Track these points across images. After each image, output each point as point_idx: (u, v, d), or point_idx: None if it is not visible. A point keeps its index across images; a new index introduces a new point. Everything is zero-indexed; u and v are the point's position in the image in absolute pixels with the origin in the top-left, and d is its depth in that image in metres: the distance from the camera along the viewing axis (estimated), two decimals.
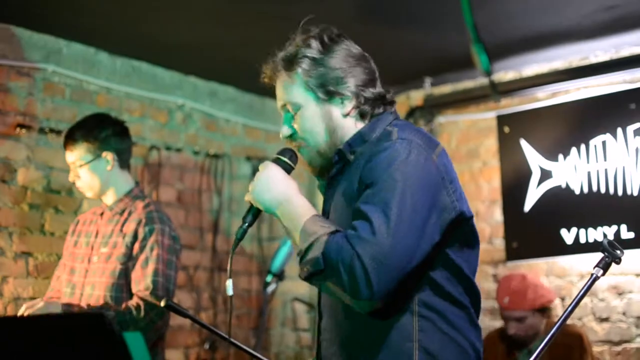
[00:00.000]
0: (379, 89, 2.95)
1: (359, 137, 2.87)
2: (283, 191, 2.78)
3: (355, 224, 2.58)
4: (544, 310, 5.42)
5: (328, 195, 2.91)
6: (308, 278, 2.65)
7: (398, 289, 2.58)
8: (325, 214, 2.90)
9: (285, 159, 2.89)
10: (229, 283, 2.83)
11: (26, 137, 5.50)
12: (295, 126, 2.89)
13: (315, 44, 2.89)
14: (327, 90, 2.87)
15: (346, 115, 2.89)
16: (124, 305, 4.25)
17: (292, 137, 2.91)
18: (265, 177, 2.81)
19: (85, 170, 4.53)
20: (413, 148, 2.68)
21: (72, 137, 4.57)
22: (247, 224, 2.89)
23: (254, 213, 2.89)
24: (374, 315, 2.68)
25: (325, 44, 2.90)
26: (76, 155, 4.53)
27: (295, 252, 2.70)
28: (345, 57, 2.91)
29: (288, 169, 2.88)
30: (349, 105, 2.89)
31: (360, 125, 2.91)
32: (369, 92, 2.92)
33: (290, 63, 2.89)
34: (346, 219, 2.69)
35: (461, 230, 2.76)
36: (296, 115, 2.88)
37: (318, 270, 2.59)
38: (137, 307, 4.24)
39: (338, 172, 2.89)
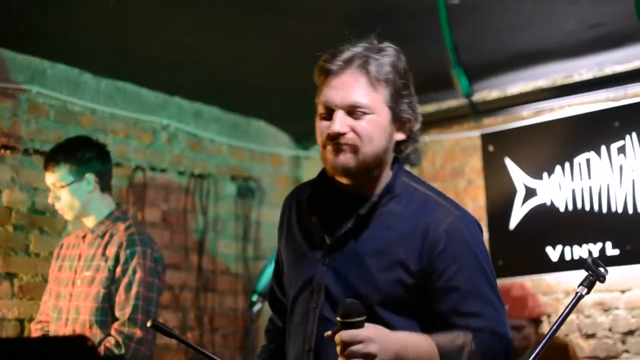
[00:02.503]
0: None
1: (388, 190, 2.79)
2: (395, 343, 2.54)
3: (475, 310, 2.67)
4: (539, 321, 5.44)
5: (343, 228, 2.76)
6: None
7: None
8: (338, 246, 2.78)
9: (361, 319, 2.50)
10: None
11: (10, 158, 5.49)
12: (356, 125, 2.68)
13: (402, 59, 2.82)
14: (399, 110, 2.76)
15: (397, 143, 2.81)
16: (102, 347, 4.24)
17: (343, 136, 2.68)
18: (375, 334, 2.49)
19: (66, 192, 4.51)
20: (472, 225, 2.81)
21: (53, 158, 4.56)
22: None
23: None
24: None
25: (401, 59, 2.83)
26: (57, 177, 4.52)
27: None
28: (411, 82, 2.85)
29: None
30: (404, 135, 2.81)
31: (390, 161, 2.83)
32: (417, 128, 2.86)
33: (380, 66, 2.74)
34: (373, 273, 2.69)
35: None
36: (363, 116, 2.69)
37: None
38: (117, 344, 4.24)
39: (362, 219, 2.77)
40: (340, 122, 2.68)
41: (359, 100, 2.69)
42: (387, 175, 2.82)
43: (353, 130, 2.69)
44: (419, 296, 2.69)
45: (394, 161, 2.85)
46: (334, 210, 2.83)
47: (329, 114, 2.73)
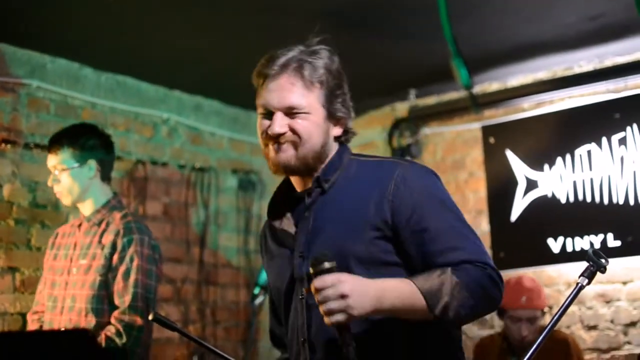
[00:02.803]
0: None
1: (332, 166, 2.89)
2: (373, 285, 2.58)
3: (450, 244, 2.69)
4: (544, 313, 5.45)
5: (303, 217, 2.88)
6: (465, 321, 2.71)
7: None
8: (304, 233, 2.86)
9: (331, 266, 2.55)
10: None
11: (11, 152, 5.49)
12: (294, 124, 2.81)
13: (335, 61, 2.91)
14: (333, 109, 2.88)
15: (335, 137, 2.92)
16: (102, 336, 4.24)
17: (284, 135, 2.81)
18: (350, 283, 2.51)
19: (67, 176, 4.50)
20: (426, 171, 2.89)
21: (58, 141, 4.55)
22: (349, 350, 2.56)
23: (349, 334, 2.55)
24: (375, 337, 2.70)
25: (335, 60, 2.92)
26: (59, 159, 4.50)
27: (428, 313, 2.61)
28: (344, 82, 2.95)
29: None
30: (340, 130, 2.92)
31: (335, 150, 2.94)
32: (351, 123, 2.98)
33: (314, 69, 2.85)
34: (342, 239, 2.73)
35: None
36: (300, 116, 2.81)
37: (473, 308, 2.64)
38: (118, 332, 4.24)
39: (315, 200, 2.87)
40: (280, 123, 2.81)
41: (295, 102, 2.81)
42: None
43: (291, 129, 2.82)
44: (394, 250, 2.75)
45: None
46: (294, 211, 2.94)
47: (268, 114, 2.86)
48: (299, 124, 2.81)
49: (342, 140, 2.95)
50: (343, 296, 2.48)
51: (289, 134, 2.81)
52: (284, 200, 2.98)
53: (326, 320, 2.50)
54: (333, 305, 2.48)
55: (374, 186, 2.77)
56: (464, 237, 2.72)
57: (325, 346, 2.75)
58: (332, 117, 2.88)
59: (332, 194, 2.85)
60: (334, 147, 2.92)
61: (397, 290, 2.60)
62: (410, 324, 2.67)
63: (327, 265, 2.51)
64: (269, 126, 2.82)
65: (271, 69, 2.84)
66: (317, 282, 2.50)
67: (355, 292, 2.49)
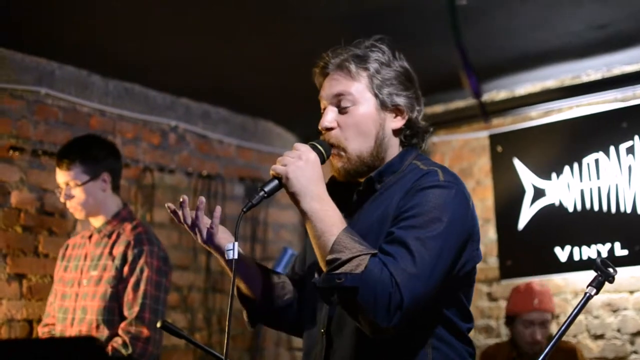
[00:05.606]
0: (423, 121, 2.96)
1: (389, 167, 2.83)
2: (322, 187, 2.66)
3: (392, 250, 2.54)
4: (553, 317, 5.47)
5: (351, 213, 2.81)
6: (335, 289, 2.52)
7: (415, 324, 2.59)
8: None
9: (323, 150, 2.76)
10: (235, 245, 2.97)
11: (19, 159, 5.49)
12: (343, 120, 2.80)
13: (387, 50, 2.93)
14: (388, 99, 2.84)
15: (395, 131, 2.87)
16: (110, 347, 4.24)
17: (331, 130, 2.81)
18: (313, 162, 2.67)
19: (81, 191, 4.50)
20: (459, 194, 2.68)
21: (68, 157, 4.54)
22: (265, 194, 2.71)
23: (276, 187, 2.69)
24: (394, 345, 2.64)
25: (395, 55, 2.95)
26: (72, 175, 4.50)
27: (322, 256, 2.57)
28: (408, 76, 2.95)
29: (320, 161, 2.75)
30: (401, 122, 2.87)
31: (399, 149, 2.88)
32: (419, 118, 2.93)
33: (361, 60, 2.85)
34: (373, 244, 2.62)
35: (471, 274, 2.80)
36: (349, 109, 2.80)
37: (352, 287, 2.47)
38: (124, 344, 4.24)
39: (363, 200, 2.83)
40: (329, 118, 2.83)
41: (341, 89, 2.83)
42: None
43: (340, 125, 2.81)
44: None
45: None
46: (347, 201, 2.87)
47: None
48: (347, 118, 2.80)
49: (407, 138, 2.90)
50: (298, 158, 2.64)
51: (335, 132, 2.80)
52: (340, 189, 2.89)
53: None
54: (285, 160, 2.65)
55: (402, 193, 2.72)
56: (417, 252, 2.53)
57: (343, 339, 2.75)
58: (385, 105, 2.84)
59: (381, 197, 2.79)
60: (394, 144, 2.88)
61: (329, 213, 2.62)
62: (427, 335, 2.68)
63: (318, 146, 2.76)
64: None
65: (324, 70, 2.90)
66: (300, 145, 2.71)
67: (307, 166, 2.64)
